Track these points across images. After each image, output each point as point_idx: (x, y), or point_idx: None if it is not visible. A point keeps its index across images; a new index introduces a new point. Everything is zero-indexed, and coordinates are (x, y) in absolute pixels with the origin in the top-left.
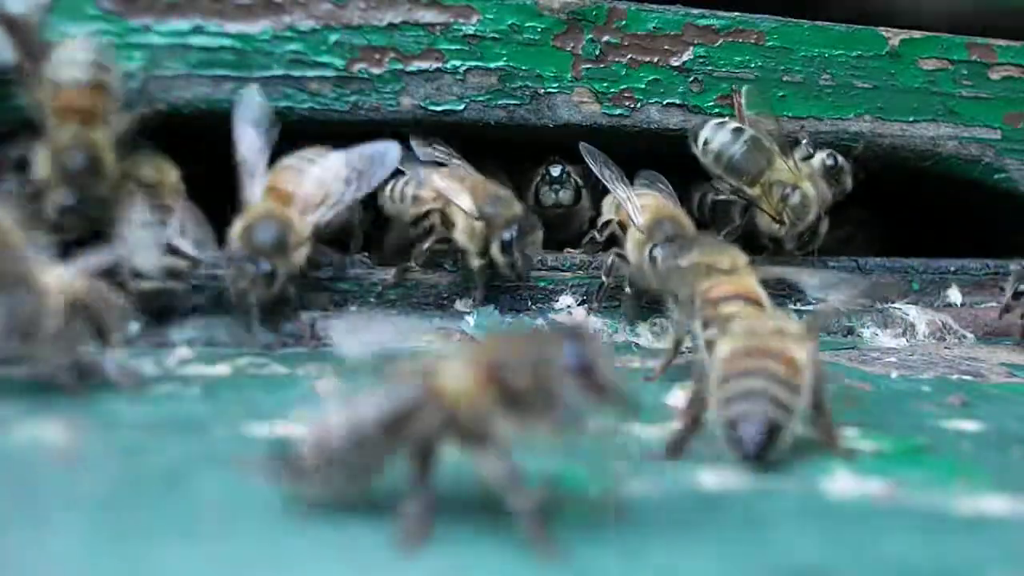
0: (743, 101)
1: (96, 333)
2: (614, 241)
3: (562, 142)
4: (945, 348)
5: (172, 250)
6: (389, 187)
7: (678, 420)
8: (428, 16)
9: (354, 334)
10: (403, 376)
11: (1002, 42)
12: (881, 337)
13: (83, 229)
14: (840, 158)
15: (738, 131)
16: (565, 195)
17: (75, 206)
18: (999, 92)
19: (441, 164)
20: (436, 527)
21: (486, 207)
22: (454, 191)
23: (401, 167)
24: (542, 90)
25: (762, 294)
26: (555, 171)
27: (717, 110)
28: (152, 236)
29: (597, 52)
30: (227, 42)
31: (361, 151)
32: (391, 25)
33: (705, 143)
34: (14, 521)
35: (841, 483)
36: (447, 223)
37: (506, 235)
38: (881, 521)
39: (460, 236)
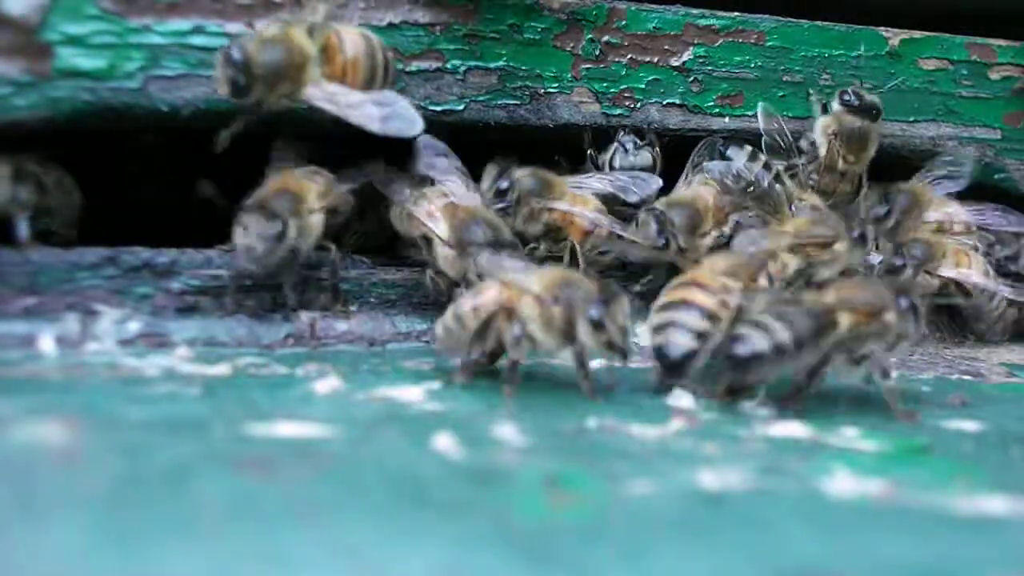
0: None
1: None
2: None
3: (563, 142)
4: (945, 348)
5: None
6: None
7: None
8: (428, 16)
9: None
10: None
11: (1002, 42)
12: None
13: None
14: (853, 91)
15: (767, 167)
16: (644, 158)
17: None
18: (999, 92)
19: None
20: (433, 525)
21: (560, 292)
22: (520, 281)
23: (386, 192)
24: (542, 90)
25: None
26: (629, 140)
27: (717, 110)
28: None
29: (597, 52)
30: (227, 42)
31: None
32: (391, 25)
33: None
34: (14, 521)
35: (841, 483)
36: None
37: (593, 312)
38: (881, 521)
39: (536, 331)
